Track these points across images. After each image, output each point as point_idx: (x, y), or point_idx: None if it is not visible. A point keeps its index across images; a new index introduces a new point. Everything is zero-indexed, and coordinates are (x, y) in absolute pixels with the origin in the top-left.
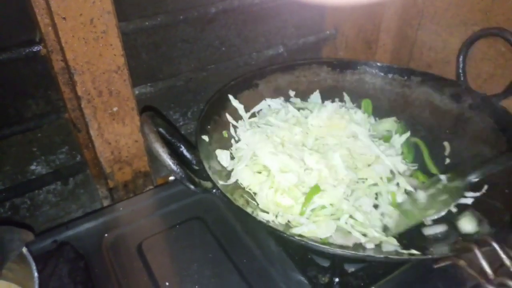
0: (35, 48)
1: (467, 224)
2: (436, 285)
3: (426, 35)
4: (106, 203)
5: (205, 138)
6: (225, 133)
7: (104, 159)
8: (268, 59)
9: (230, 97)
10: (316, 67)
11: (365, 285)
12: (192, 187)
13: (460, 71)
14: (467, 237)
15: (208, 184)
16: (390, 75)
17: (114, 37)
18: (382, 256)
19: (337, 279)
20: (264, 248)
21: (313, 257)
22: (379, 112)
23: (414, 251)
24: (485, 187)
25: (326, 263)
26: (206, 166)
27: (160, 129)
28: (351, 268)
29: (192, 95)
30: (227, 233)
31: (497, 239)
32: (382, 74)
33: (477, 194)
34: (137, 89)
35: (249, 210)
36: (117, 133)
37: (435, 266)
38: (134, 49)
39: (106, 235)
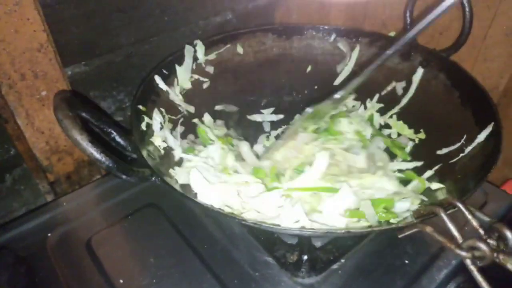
0: None
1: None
2: (405, 249)
3: None
4: (50, 198)
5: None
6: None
7: (38, 151)
8: (216, 27)
9: (157, 78)
10: (261, 35)
11: (335, 258)
12: (124, 176)
13: (408, 27)
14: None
15: (146, 172)
16: (338, 38)
17: (31, 10)
18: (342, 231)
19: (306, 257)
20: (227, 230)
21: (279, 236)
22: (331, 78)
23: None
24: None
25: (293, 241)
26: (144, 152)
27: (84, 114)
28: (319, 243)
29: (136, 71)
30: (185, 218)
31: (462, 200)
32: (329, 37)
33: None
34: (70, 69)
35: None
36: (50, 120)
37: (400, 236)
38: (61, 22)
39: (49, 234)
